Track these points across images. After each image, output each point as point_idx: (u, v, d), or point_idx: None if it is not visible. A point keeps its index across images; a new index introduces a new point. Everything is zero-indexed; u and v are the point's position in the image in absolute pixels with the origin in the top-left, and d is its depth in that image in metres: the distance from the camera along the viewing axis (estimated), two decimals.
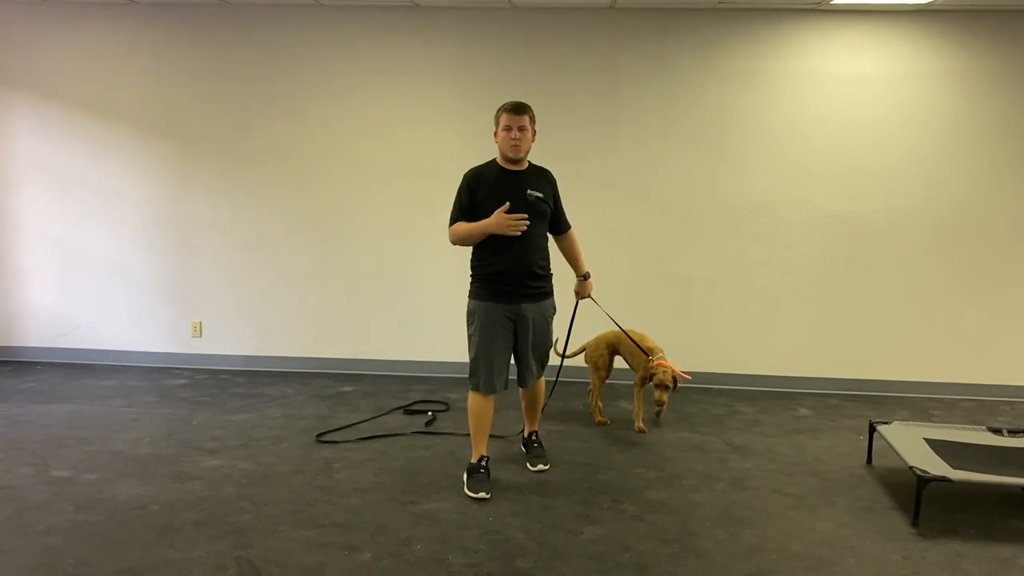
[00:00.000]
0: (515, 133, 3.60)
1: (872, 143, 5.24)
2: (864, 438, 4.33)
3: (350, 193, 5.56)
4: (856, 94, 5.21)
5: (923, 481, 3.37)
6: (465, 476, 3.77)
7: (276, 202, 5.60)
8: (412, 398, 5.11)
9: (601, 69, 5.31)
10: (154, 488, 3.67)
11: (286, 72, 5.46)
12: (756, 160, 5.32)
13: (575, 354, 4.75)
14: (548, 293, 3.84)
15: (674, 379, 4.29)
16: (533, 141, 3.69)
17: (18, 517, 3.37)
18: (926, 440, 3.84)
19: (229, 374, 5.62)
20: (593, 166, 5.40)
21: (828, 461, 4.17)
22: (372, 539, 3.23)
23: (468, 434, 3.88)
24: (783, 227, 5.37)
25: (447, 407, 4.92)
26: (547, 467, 3.96)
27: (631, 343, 4.48)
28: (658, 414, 4.63)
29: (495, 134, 3.68)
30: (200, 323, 5.76)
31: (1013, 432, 4.01)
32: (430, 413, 4.79)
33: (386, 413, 4.82)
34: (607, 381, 4.78)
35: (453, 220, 3.73)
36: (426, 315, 5.58)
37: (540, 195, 3.70)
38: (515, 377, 3.90)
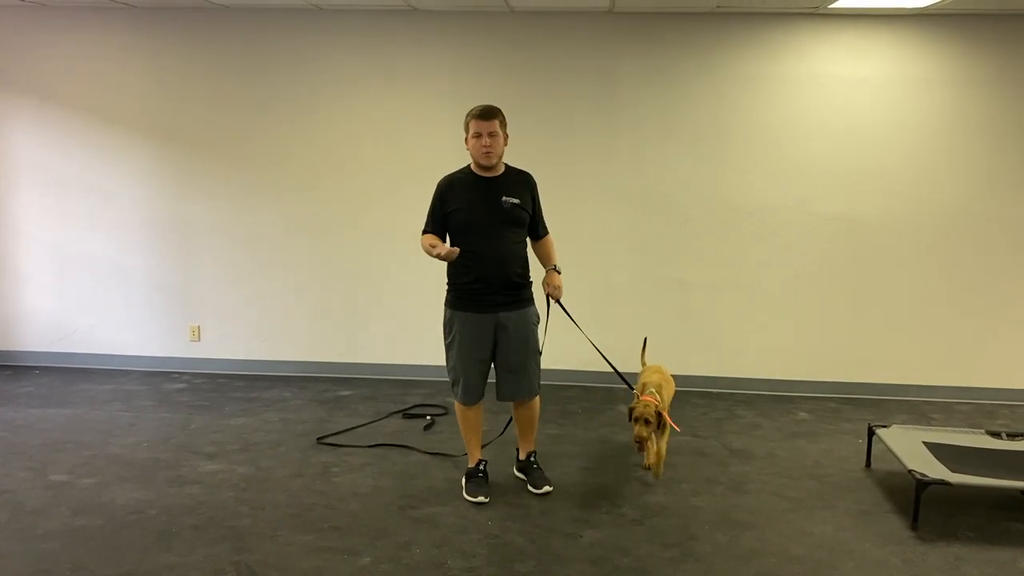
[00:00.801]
0: (485, 140, 3.47)
1: (871, 146, 5.25)
2: (863, 441, 4.32)
3: (349, 197, 5.56)
4: (855, 97, 5.22)
5: (922, 484, 3.37)
6: (463, 480, 3.76)
7: (274, 205, 5.60)
8: (410, 402, 5.10)
9: (600, 73, 5.32)
10: (152, 492, 3.67)
11: (284, 76, 5.47)
12: (755, 163, 5.32)
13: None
14: (528, 300, 3.69)
15: (658, 415, 3.72)
16: (506, 144, 3.57)
17: (16, 521, 3.36)
18: (925, 443, 3.84)
19: (227, 378, 5.61)
20: (592, 169, 5.40)
21: (827, 465, 4.17)
22: (371, 543, 3.23)
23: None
24: (782, 230, 5.37)
25: (445, 411, 4.91)
26: (551, 488, 3.73)
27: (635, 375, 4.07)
28: (650, 468, 3.90)
29: (466, 141, 3.54)
30: (198, 327, 5.75)
31: (1012, 435, 4.01)
32: (428, 417, 4.78)
33: (384, 417, 4.81)
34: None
35: (425, 228, 3.65)
36: (424, 319, 5.56)
37: (516, 201, 3.57)
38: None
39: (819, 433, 4.68)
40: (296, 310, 5.69)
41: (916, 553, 3.23)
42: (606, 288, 5.49)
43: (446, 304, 3.70)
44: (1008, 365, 5.36)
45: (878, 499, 3.75)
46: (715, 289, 5.45)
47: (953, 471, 3.48)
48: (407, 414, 4.87)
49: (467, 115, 3.53)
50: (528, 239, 3.75)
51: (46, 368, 5.79)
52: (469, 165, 3.65)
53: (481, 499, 3.61)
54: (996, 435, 4.02)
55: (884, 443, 3.90)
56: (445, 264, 3.65)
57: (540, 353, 3.76)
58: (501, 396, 3.76)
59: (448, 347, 3.70)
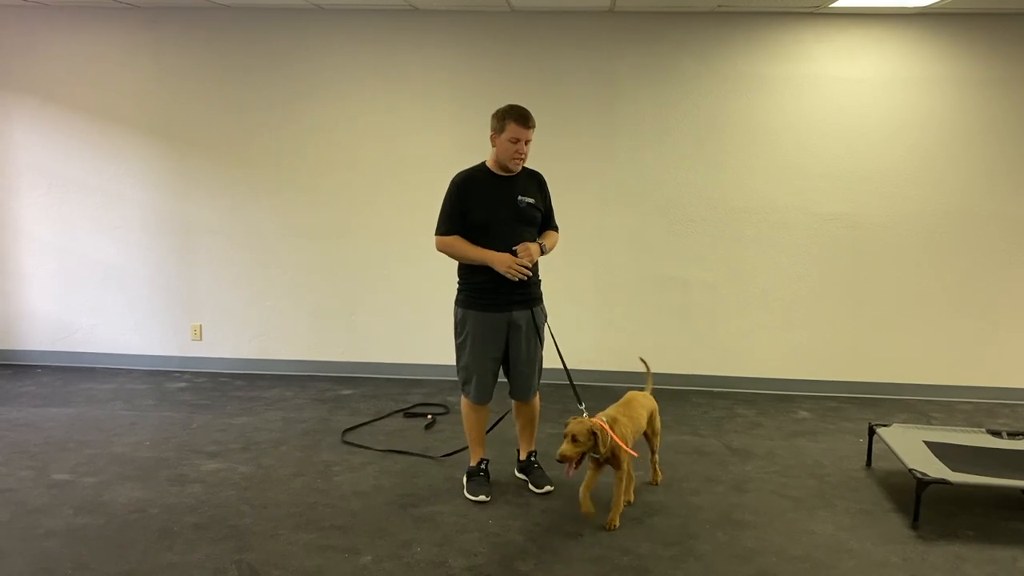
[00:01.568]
0: (522, 147, 3.46)
1: (871, 146, 5.25)
2: (864, 441, 4.33)
3: (350, 196, 5.56)
4: (855, 97, 5.22)
5: (922, 483, 3.37)
6: (464, 479, 3.77)
7: (276, 205, 5.60)
8: (411, 401, 5.10)
9: (600, 72, 5.32)
10: (154, 491, 3.67)
11: (285, 75, 5.47)
12: (755, 163, 5.33)
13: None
14: (538, 299, 3.71)
15: (594, 435, 3.28)
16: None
17: (18, 520, 3.37)
18: (925, 443, 3.84)
19: (228, 377, 5.62)
20: (592, 169, 5.40)
21: (828, 464, 4.18)
22: (372, 542, 3.23)
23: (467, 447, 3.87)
24: (782, 230, 5.37)
25: (447, 410, 4.92)
26: (552, 488, 3.73)
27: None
28: (611, 521, 3.36)
29: (493, 138, 3.51)
30: (200, 326, 5.76)
31: (1012, 435, 4.01)
32: (429, 416, 4.79)
33: (386, 416, 4.82)
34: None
35: (442, 228, 3.57)
36: (425, 318, 5.59)
37: (532, 201, 3.58)
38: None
39: (820, 432, 4.69)
40: (297, 309, 5.70)
41: (916, 552, 3.23)
42: (606, 288, 5.49)
43: (458, 303, 3.68)
44: (1009, 364, 5.36)
45: (878, 498, 3.75)
46: (715, 288, 5.46)
47: (954, 470, 3.48)
48: (408, 413, 4.87)
49: (504, 114, 3.47)
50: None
51: (48, 367, 5.79)
52: (485, 162, 3.62)
53: (482, 498, 3.61)
54: (997, 434, 4.03)
55: (885, 442, 3.90)
56: (454, 264, 3.65)
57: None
58: (514, 394, 3.77)
59: (460, 346, 3.69)
